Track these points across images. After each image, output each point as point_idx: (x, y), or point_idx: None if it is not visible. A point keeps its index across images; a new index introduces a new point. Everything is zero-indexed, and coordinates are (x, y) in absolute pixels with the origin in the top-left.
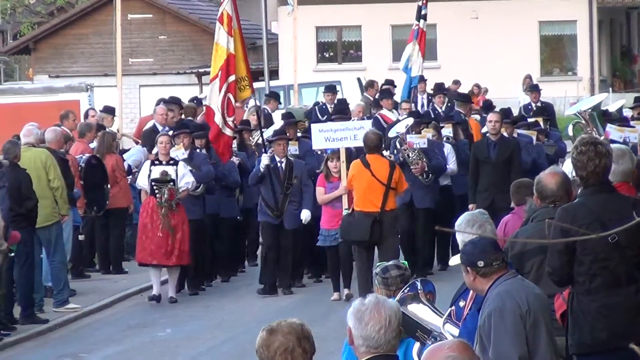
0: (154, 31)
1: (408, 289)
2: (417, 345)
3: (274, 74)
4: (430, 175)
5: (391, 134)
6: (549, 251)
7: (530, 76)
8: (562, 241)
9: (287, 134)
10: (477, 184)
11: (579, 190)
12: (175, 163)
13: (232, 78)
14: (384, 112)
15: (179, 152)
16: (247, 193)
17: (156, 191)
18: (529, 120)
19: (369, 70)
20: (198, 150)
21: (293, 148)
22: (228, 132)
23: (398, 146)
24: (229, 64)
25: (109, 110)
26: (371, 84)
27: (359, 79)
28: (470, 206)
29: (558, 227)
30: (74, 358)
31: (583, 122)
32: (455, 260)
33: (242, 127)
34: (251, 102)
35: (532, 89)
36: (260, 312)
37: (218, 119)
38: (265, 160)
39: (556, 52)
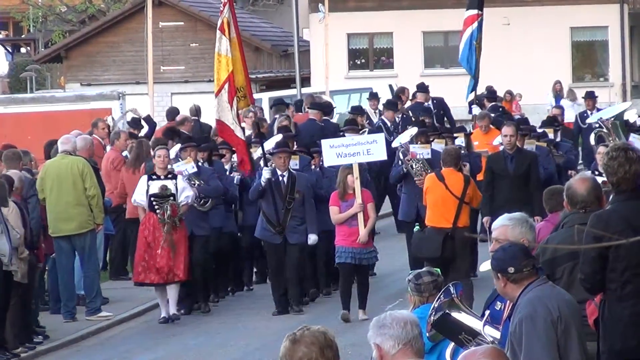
0: (185, 39)
1: (443, 295)
2: (450, 346)
3: (305, 81)
4: None
5: (394, 144)
6: (582, 258)
7: (560, 82)
8: (593, 247)
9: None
10: (492, 198)
11: (611, 197)
12: (174, 177)
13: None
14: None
15: (188, 166)
16: (247, 210)
17: (156, 207)
18: (539, 130)
19: (401, 77)
20: (201, 164)
21: (293, 162)
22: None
23: (401, 157)
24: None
25: (136, 123)
26: (402, 90)
27: (390, 86)
28: (484, 219)
29: (591, 233)
30: None
31: (605, 131)
32: (485, 265)
33: (253, 141)
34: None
35: (588, 96)
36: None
37: (239, 132)
38: (266, 174)
39: (588, 58)
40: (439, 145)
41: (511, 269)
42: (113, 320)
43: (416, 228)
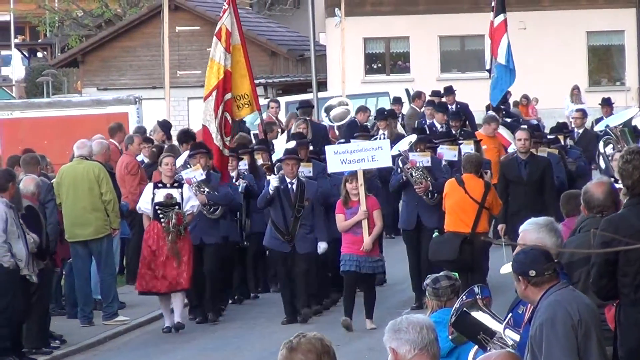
0: (202, 43)
1: (466, 295)
2: (473, 350)
3: (322, 86)
4: (436, 194)
5: (393, 152)
6: (591, 262)
7: (577, 87)
8: (606, 251)
9: (299, 155)
10: (506, 205)
11: (625, 201)
12: (180, 185)
13: (228, 96)
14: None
15: (197, 173)
16: (255, 218)
17: (161, 216)
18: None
19: (417, 81)
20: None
21: (307, 170)
22: (226, 152)
23: (401, 165)
24: (226, 81)
25: (165, 126)
26: (418, 95)
27: (407, 90)
28: (499, 227)
29: (600, 238)
30: None
31: (614, 138)
32: (506, 268)
33: (258, 147)
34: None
35: (605, 102)
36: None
37: (218, 140)
38: (274, 182)
39: (604, 62)
40: (453, 151)
41: (532, 272)
42: (130, 324)
43: (435, 234)
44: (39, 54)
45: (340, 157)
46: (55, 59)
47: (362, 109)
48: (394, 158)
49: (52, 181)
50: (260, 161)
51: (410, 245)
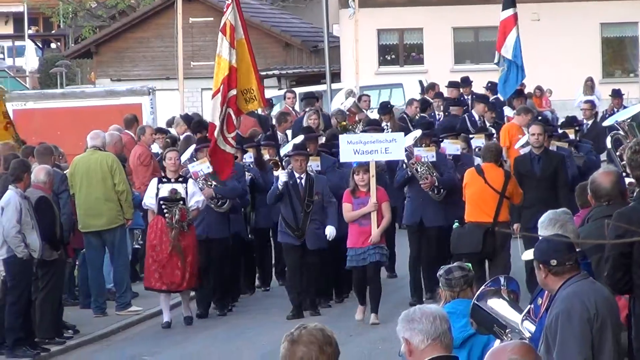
0: (215, 34)
1: (490, 283)
2: (497, 342)
3: (335, 77)
4: (442, 190)
5: None
6: (605, 255)
7: (592, 79)
8: (616, 242)
9: (308, 149)
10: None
11: (636, 192)
12: (185, 180)
13: (232, 92)
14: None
15: (204, 166)
16: (259, 212)
17: (165, 211)
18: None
19: (431, 73)
20: None
21: (315, 164)
22: (228, 149)
23: (406, 160)
24: (231, 78)
25: (187, 119)
26: (432, 86)
27: (420, 82)
28: (515, 226)
29: (613, 231)
30: None
31: (622, 133)
32: (528, 255)
33: (266, 143)
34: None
35: (615, 94)
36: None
37: (216, 133)
38: (282, 177)
39: (617, 53)
40: (457, 145)
41: (553, 262)
42: (143, 315)
43: (455, 225)
44: (53, 45)
45: (353, 147)
46: (68, 50)
47: (409, 102)
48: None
49: (65, 172)
50: (267, 156)
51: (413, 241)
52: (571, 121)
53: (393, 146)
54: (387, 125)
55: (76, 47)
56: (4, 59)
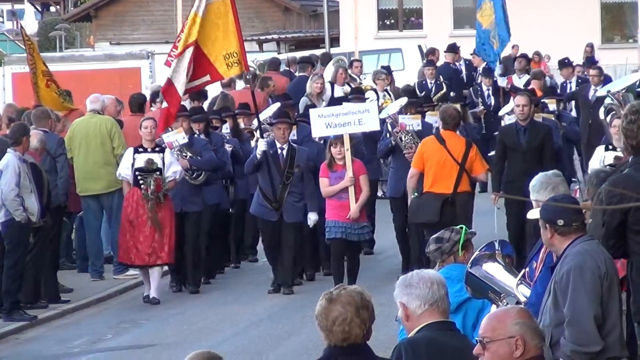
0: None
1: (485, 248)
2: (493, 307)
3: (334, 42)
4: None
5: (382, 115)
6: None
7: (592, 44)
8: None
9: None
10: (501, 173)
11: (630, 159)
12: (162, 150)
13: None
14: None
15: (179, 136)
16: (239, 184)
17: (141, 182)
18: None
19: (430, 38)
20: (197, 135)
21: (291, 133)
22: (180, 93)
23: (390, 129)
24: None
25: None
26: (432, 51)
27: (419, 47)
28: (492, 196)
29: (607, 198)
30: (134, 324)
31: (616, 103)
32: (533, 214)
33: (240, 112)
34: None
35: (564, 64)
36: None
37: (180, 92)
38: (261, 146)
39: (617, 19)
40: (432, 118)
41: (560, 222)
42: (139, 279)
43: (414, 195)
44: (52, 8)
45: (325, 121)
46: (68, 13)
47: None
48: (383, 121)
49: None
50: (242, 125)
51: (398, 213)
52: (552, 90)
53: (367, 117)
54: (386, 91)
55: (75, 11)
56: (3, 22)
